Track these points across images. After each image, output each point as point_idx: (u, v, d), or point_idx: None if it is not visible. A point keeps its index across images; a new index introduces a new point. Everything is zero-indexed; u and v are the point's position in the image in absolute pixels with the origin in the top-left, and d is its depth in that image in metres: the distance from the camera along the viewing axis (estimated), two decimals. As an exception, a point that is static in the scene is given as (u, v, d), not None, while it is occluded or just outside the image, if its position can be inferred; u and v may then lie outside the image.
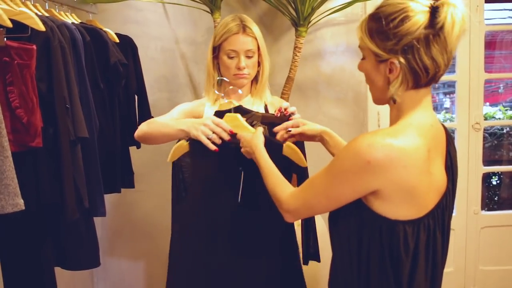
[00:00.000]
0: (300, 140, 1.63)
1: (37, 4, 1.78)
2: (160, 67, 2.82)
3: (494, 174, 3.80)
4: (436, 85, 1.94)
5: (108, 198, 1.98)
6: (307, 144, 1.69)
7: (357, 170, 1.03)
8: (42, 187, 1.65)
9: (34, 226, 1.69)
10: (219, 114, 1.58)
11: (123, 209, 2.93)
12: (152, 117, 2.01)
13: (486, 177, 3.73)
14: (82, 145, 1.76)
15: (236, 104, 1.60)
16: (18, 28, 1.55)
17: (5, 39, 1.47)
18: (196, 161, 1.61)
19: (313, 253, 1.70)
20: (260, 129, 1.51)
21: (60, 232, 1.82)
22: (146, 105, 2.42)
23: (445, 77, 2.81)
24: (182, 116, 1.73)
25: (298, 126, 1.56)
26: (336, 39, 2.80)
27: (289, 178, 1.36)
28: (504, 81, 4.48)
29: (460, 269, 2.99)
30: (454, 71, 2.85)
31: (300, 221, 1.73)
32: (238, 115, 1.56)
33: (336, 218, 1.18)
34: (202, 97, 1.84)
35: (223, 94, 1.69)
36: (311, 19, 2.46)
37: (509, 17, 4.28)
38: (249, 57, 1.70)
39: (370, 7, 2.70)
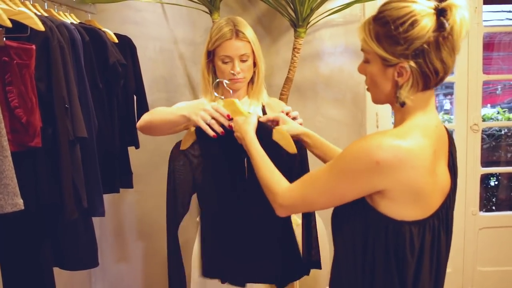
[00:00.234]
0: None
1: (36, 4, 1.78)
2: (158, 67, 2.82)
3: (492, 175, 3.81)
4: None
5: (106, 198, 1.97)
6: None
7: (365, 170, 1.04)
8: (41, 187, 1.64)
9: (33, 226, 1.69)
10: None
11: (122, 210, 2.93)
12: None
13: (484, 178, 3.74)
14: (81, 145, 1.76)
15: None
16: (18, 28, 1.54)
17: (4, 38, 1.47)
18: (203, 148, 1.62)
19: (315, 262, 1.70)
20: (254, 114, 1.50)
21: (59, 232, 1.82)
22: (145, 105, 2.42)
23: (444, 78, 2.82)
24: None
25: (278, 122, 1.56)
26: (334, 40, 2.80)
27: (278, 165, 1.34)
28: (502, 82, 4.49)
29: (458, 270, 3.00)
30: (452, 73, 2.86)
31: (299, 221, 1.73)
32: (236, 100, 1.56)
33: (340, 218, 1.18)
34: (200, 98, 1.85)
35: (222, 97, 1.69)
36: (310, 20, 2.47)
37: (507, 18, 4.29)
38: (243, 61, 1.71)
39: (369, 9, 2.70)
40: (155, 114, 1.67)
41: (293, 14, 2.44)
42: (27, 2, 1.73)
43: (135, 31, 2.68)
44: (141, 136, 2.36)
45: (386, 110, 2.82)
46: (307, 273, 1.72)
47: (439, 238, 1.12)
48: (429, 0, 1.07)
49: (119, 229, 2.97)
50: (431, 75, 1.06)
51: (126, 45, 2.33)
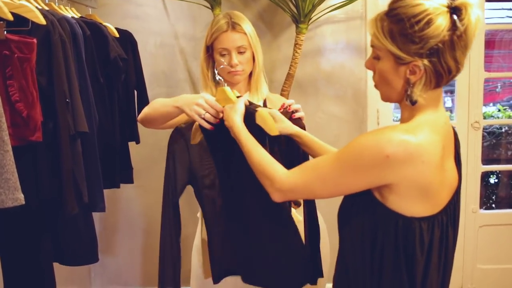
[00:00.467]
0: None
1: (37, -2, 1.77)
2: (159, 62, 2.81)
3: (492, 173, 3.81)
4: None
5: (106, 193, 1.97)
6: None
7: (375, 163, 1.03)
8: (42, 182, 1.64)
9: (33, 221, 1.68)
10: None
11: (122, 205, 2.93)
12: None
13: (485, 176, 3.74)
14: (81, 140, 1.75)
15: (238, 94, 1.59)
16: (19, 22, 1.54)
17: (5, 32, 1.46)
18: (208, 140, 1.60)
19: (319, 271, 1.69)
20: (241, 100, 1.45)
21: (59, 227, 1.81)
22: (146, 100, 2.41)
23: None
24: None
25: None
26: (336, 37, 2.80)
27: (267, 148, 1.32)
28: (501, 80, 4.49)
29: (458, 267, 3.00)
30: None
31: (300, 217, 1.72)
32: (227, 88, 1.52)
33: (348, 214, 1.18)
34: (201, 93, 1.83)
35: (226, 84, 1.67)
36: (312, 16, 2.46)
37: (508, 16, 4.28)
38: (241, 53, 1.71)
39: (371, 5, 2.69)
40: (153, 106, 1.66)
41: (294, 10, 2.43)
42: (28, -4, 1.72)
43: (136, 25, 2.67)
44: (141, 131, 2.36)
45: (387, 107, 2.82)
46: (313, 282, 1.67)
47: (447, 234, 1.12)
48: None
49: (118, 224, 2.96)
50: (444, 73, 1.06)
51: (127, 39, 2.32)
